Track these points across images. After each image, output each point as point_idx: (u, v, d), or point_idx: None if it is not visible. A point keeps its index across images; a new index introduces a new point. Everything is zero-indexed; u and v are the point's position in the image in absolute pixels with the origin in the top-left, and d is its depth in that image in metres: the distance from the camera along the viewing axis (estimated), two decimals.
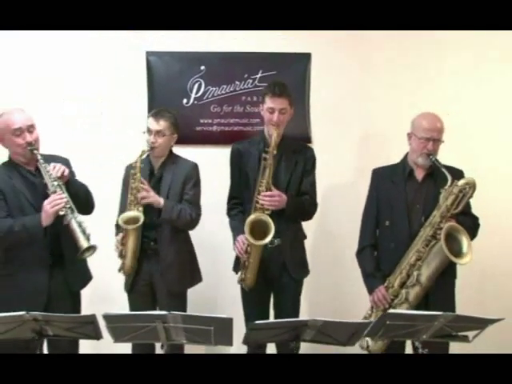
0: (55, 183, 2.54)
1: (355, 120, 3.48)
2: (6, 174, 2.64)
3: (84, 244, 2.51)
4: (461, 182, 2.57)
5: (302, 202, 2.84)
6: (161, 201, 2.78)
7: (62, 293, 2.64)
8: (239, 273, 2.83)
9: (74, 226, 2.52)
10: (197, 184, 2.91)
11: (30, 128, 2.58)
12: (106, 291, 3.23)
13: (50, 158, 2.69)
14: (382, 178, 2.79)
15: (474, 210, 2.74)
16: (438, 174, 2.65)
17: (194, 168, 2.92)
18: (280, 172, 2.80)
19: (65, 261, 2.66)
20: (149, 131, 2.83)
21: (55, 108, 3.29)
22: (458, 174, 2.66)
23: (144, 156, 2.80)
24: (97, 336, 2.18)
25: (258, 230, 2.68)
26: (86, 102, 3.41)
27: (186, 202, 2.85)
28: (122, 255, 2.79)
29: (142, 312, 2.34)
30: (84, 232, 2.53)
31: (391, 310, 2.46)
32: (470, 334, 2.24)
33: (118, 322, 2.13)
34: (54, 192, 2.54)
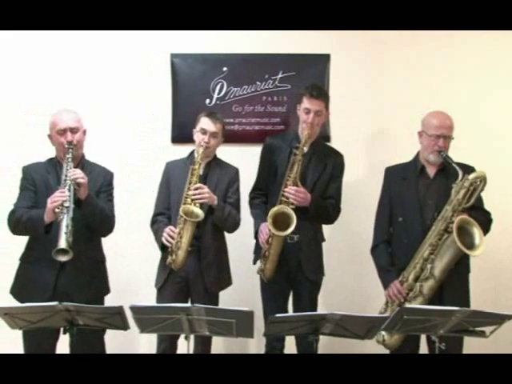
0: (67, 181, 2.57)
1: (374, 119, 3.49)
2: (45, 168, 2.76)
3: (61, 244, 2.46)
4: (471, 176, 2.60)
5: (326, 205, 2.88)
6: (215, 200, 2.78)
7: (66, 298, 2.45)
8: (259, 263, 2.86)
9: (63, 225, 2.49)
10: (238, 189, 2.94)
11: (74, 129, 2.68)
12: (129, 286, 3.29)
13: (94, 167, 2.77)
14: (395, 175, 2.83)
15: (489, 206, 2.75)
16: (449, 170, 2.69)
17: (237, 173, 2.95)
18: (308, 172, 2.86)
19: (72, 268, 2.61)
20: (203, 131, 2.83)
21: (79, 109, 3.34)
22: (469, 170, 2.68)
23: (203, 150, 2.78)
24: (124, 326, 2.25)
25: (281, 222, 2.72)
26: (110, 103, 3.45)
27: (229, 205, 2.86)
28: (177, 247, 2.72)
29: (166, 304, 2.43)
30: (68, 234, 2.48)
31: (407, 305, 2.49)
32: (488, 329, 2.27)
33: (144, 313, 2.21)
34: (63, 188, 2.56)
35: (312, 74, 3.42)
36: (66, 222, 2.50)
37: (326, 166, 2.90)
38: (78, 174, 2.59)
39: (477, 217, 2.63)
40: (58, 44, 3.42)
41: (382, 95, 3.49)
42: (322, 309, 2.91)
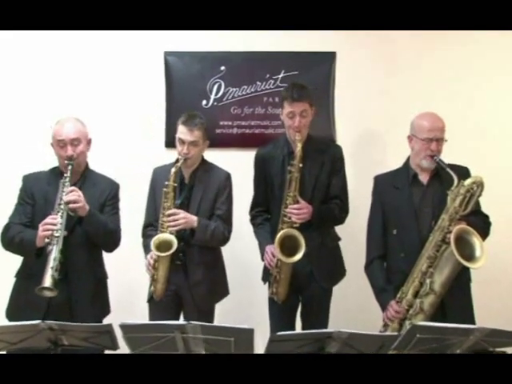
0: (61, 206, 2.48)
1: (380, 120, 3.43)
2: (46, 180, 2.65)
3: (45, 282, 2.37)
4: (467, 182, 2.47)
5: (330, 210, 2.76)
6: (194, 222, 2.64)
7: (61, 316, 2.34)
8: (270, 287, 2.77)
9: (50, 258, 2.41)
10: (229, 197, 2.77)
11: (75, 141, 2.57)
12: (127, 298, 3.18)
13: (98, 178, 2.69)
14: (386, 184, 2.71)
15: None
16: (443, 175, 2.56)
17: (228, 179, 2.78)
18: (304, 178, 2.70)
19: (69, 285, 2.52)
20: (181, 141, 2.65)
21: (72, 109, 3.20)
22: (463, 172, 2.57)
23: (176, 169, 2.63)
24: (113, 346, 2.15)
25: (288, 245, 2.63)
26: (102, 103, 3.39)
27: (217, 218, 2.71)
28: (153, 279, 2.65)
29: (160, 322, 2.30)
30: (54, 269, 2.40)
31: (420, 323, 2.33)
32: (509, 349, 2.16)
33: (136, 331, 2.09)
34: (56, 214, 2.49)
35: (316, 74, 3.36)
36: (53, 255, 2.42)
37: (323, 165, 2.76)
38: (70, 197, 2.48)
39: (475, 221, 2.51)
40: (47, 44, 3.37)
41: (389, 95, 3.43)
42: (331, 321, 2.81)
